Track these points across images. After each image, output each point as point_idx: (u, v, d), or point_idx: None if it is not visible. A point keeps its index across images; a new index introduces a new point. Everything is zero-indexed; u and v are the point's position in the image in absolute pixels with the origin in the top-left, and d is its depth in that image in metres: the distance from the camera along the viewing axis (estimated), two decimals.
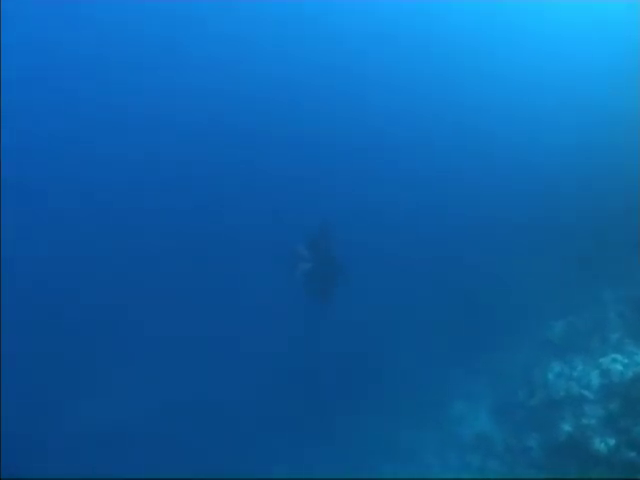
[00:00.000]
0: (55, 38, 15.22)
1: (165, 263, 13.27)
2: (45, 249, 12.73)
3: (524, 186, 14.35)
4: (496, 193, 14.86)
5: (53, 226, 13.07)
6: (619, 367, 9.55)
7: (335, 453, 11.23)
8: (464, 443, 10.95)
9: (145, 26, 16.08)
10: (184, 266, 13.34)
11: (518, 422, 10.65)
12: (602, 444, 8.63)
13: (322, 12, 18.36)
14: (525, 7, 20.50)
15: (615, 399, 9.06)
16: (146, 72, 16.08)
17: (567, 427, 9.50)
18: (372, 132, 17.07)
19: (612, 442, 8.51)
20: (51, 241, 12.86)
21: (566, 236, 12.42)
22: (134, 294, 12.30)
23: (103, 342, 11.86)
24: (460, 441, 11.04)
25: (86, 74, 15.48)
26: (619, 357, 9.77)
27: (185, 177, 14.98)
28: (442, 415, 11.72)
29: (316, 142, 16.44)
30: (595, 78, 17.25)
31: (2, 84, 13.66)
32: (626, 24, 18.17)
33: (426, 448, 11.18)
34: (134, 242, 13.35)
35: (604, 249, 11.43)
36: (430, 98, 18.53)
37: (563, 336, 11.67)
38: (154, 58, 16.24)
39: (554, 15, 20.36)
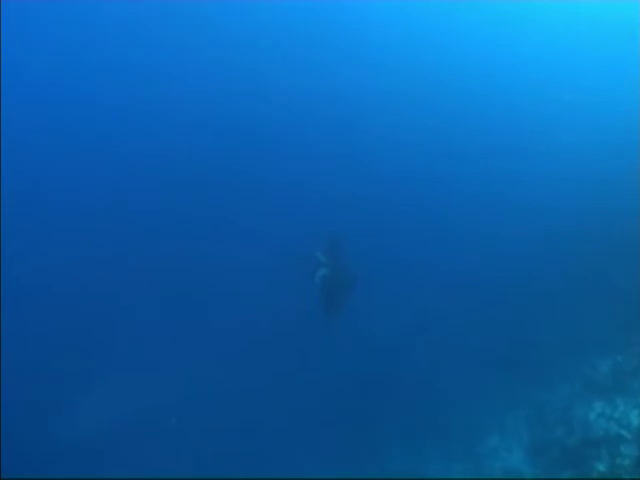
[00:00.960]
0: (56, 38, 15.73)
1: (169, 267, 13.36)
2: (43, 249, 12.95)
3: (571, 223, 14.05)
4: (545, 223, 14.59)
5: (52, 226, 13.35)
6: None
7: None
8: (493, 476, 10.61)
9: (151, 27, 16.56)
10: (192, 270, 13.35)
11: (552, 459, 10.22)
12: None
13: (328, 20, 18.80)
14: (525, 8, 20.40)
15: None
16: (152, 74, 16.49)
17: (601, 467, 9.09)
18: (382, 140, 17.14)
19: None
20: (49, 242, 13.08)
21: (613, 273, 11.99)
22: (144, 301, 12.47)
23: (106, 343, 12.04)
24: (490, 474, 10.71)
25: (91, 75, 15.93)
26: None
27: (194, 181, 15.09)
28: (474, 447, 11.41)
29: (326, 149, 16.55)
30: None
31: (2, 84, 14.01)
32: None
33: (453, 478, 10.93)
34: (143, 248, 13.43)
35: None
36: (440, 104, 18.51)
37: (608, 376, 11.21)
38: (160, 59, 16.66)
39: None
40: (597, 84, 18.88)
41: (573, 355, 11.99)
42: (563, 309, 12.95)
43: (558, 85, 19.48)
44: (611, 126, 16.61)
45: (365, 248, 11.81)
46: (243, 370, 11.86)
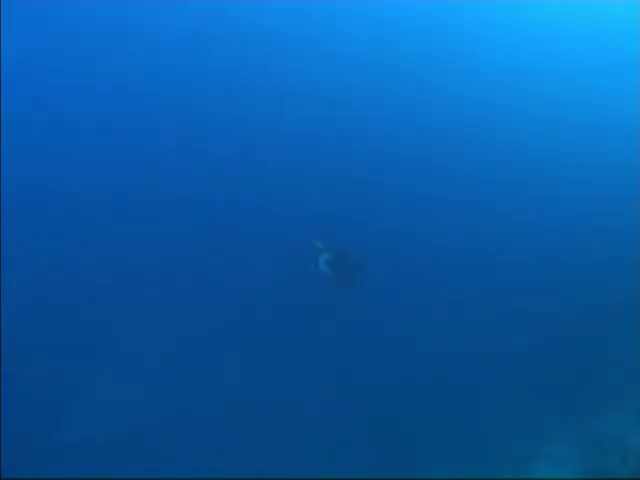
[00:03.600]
0: (56, 36, 16.18)
1: (166, 267, 13.26)
2: (43, 251, 13.02)
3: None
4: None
5: (51, 227, 13.44)
6: None
7: None
8: None
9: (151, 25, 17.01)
10: (191, 269, 13.27)
11: None
12: None
13: (322, 14, 18.97)
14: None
15: None
16: (142, 70, 16.67)
17: None
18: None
19: None
20: (50, 243, 13.20)
21: None
22: (143, 300, 12.45)
23: (106, 342, 11.99)
24: None
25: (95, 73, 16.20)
26: None
27: (184, 173, 15.02)
28: (521, 474, 11.03)
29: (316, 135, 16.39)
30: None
31: (2, 84, 14.39)
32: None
33: None
34: (139, 246, 13.42)
35: None
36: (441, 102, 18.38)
37: None
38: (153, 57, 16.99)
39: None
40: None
41: (630, 383, 11.53)
42: (622, 335, 12.47)
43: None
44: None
45: (362, 232, 11.80)
46: (254, 370, 11.83)
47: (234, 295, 12.84)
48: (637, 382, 11.21)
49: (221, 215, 14.43)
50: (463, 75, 19.35)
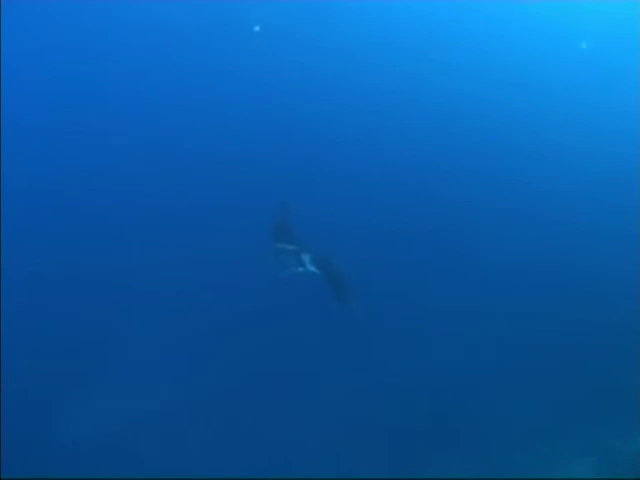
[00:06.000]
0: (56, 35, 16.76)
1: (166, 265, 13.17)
2: (42, 250, 13.08)
3: None
4: None
5: (51, 227, 13.53)
6: None
7: None
8: None
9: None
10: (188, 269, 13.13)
11: None
12: None
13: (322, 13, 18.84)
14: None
15: None
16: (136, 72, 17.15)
17: None
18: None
19: None
20: (49, 242, 13.24)
21: None
22: (143, 300, 12.36)
23: (107, 341, 11.89)
24: None
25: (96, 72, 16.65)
26: None
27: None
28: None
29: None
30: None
31: (2, 84, 14.70)
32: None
33: None
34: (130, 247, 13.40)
35: None
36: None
37: None
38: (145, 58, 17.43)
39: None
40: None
41: None
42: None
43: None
44: None
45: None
46: (260, 370, 11.63)
47: (235, 297, 12.63)
48: None
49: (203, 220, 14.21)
50: (461, 73, 18.85)
